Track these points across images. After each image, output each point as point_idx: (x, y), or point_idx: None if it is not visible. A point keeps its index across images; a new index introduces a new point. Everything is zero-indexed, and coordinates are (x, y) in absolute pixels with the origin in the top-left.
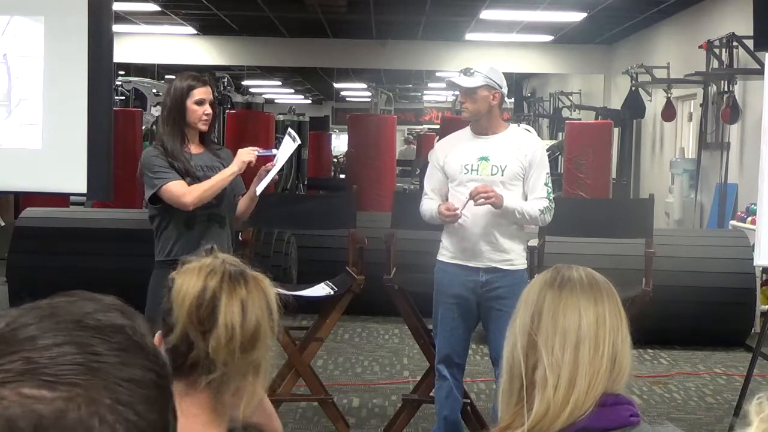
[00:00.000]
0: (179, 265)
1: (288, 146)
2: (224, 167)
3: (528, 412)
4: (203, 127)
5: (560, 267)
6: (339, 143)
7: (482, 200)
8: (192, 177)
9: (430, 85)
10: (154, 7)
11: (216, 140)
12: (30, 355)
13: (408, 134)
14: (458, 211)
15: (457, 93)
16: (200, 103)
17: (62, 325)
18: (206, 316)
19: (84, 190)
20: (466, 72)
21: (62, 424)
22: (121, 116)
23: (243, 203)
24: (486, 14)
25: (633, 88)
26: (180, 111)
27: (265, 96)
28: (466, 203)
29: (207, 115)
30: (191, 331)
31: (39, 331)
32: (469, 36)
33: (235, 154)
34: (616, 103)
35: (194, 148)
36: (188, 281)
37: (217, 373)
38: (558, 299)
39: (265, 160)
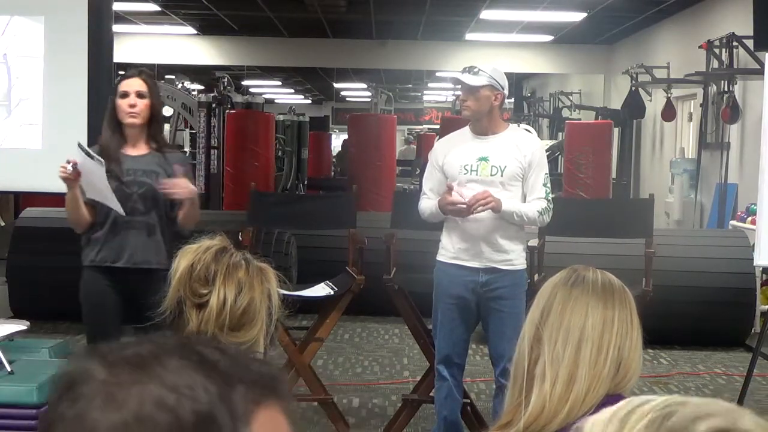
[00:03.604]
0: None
1: (91, 167)
2: (165, 173)
3: (525, 408)
4: (130, 121)
5: (578, 267)
6: (339, 143)
7: (481, 207)
8: (118, 181)
9: (430, 85)
10: (154, 7)
11: (175, 141)
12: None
13: (408, 134)
14: (468, 205)
15: (457, 93)
16: (124, 95)
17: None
18: (200, 287)
19: None
20: (470, 70)
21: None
22: None
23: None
24: (486, 14)
25: (633, 88)
26: (113, 109)
27: (265, 96)
28: (467, 207)
29: (131, 106)
30: (186, 303)
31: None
32: (469, 36)
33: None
34: (616, 103)
35: (135, 150)
36: (185, 256)
37: None
38: (568, 297)
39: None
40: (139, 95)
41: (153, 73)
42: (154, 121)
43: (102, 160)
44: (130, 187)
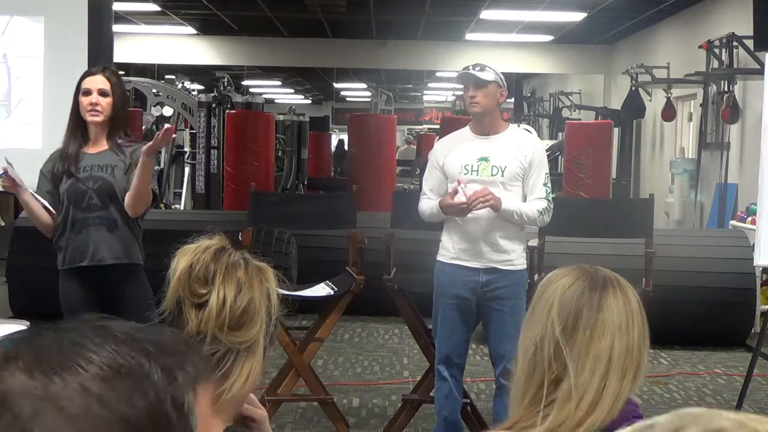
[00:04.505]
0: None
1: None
2: (124, 165)
3: (543, 418)
4: (92, 119)
5: (596, 275)
6: (335, 143)
7: (480, 204)
8: (72, 178)
9: (430, 85)
10: (154, 7)
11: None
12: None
13: (408, 134)
14: (467, 203)
15: (458, 93)
16: (86, 93)
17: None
18: (199, 287)
19: None
20: (476, 67)
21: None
22: None
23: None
24: (486, 14)
25: (633, 88)
26: (75, 107)
27: (265, 96)
28: (466, 205)
29: (92, 104)
30: (185, 303)
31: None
32: (469, 36)
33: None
34: (616, 103)
35: (95, 147)
36: (183, 256)
37: (205, 347)
38: (595, 322)
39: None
40: (102, 93)
41: (118, 71)
42: (115, 119)
43: (8, 163)
44: (85, 183)
